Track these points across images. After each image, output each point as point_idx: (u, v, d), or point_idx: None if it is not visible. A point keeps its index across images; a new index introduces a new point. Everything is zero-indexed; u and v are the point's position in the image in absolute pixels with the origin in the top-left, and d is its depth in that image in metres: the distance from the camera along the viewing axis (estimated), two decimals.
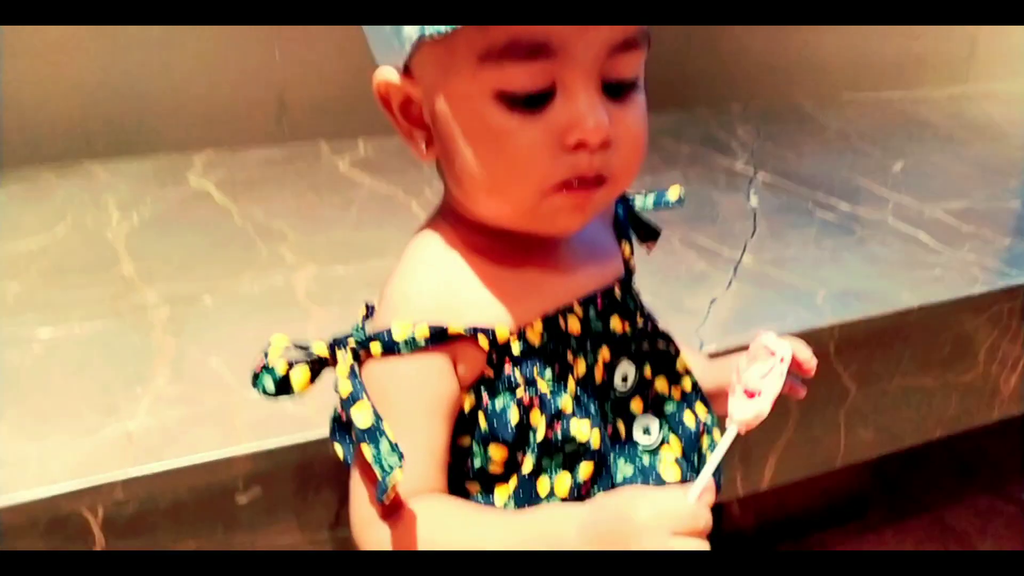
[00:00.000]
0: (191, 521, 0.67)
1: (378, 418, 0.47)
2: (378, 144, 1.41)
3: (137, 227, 1.09)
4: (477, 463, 0.51)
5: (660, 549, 0.45)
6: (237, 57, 1.39)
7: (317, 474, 0.70)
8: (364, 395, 0.47)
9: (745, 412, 0.51)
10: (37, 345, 0.82)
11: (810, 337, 0.86)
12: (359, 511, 0.50)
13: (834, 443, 0.96)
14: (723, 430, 0.54)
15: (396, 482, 0.46)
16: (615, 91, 0.47)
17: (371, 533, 0.49)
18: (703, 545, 0.46)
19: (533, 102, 0.45)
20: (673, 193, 0.61)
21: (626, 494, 0.48)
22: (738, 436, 0.51)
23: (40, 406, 0.73)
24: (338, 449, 0.51)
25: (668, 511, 0.46)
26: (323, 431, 0.70)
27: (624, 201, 0.61)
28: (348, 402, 0.47)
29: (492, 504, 0.52)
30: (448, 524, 0.49)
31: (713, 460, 0.48)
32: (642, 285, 0.58)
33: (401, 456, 0.46)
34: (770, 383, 0.51)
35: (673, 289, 0.94)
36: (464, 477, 0.52)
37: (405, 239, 0.53)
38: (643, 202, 0.61)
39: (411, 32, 0.45)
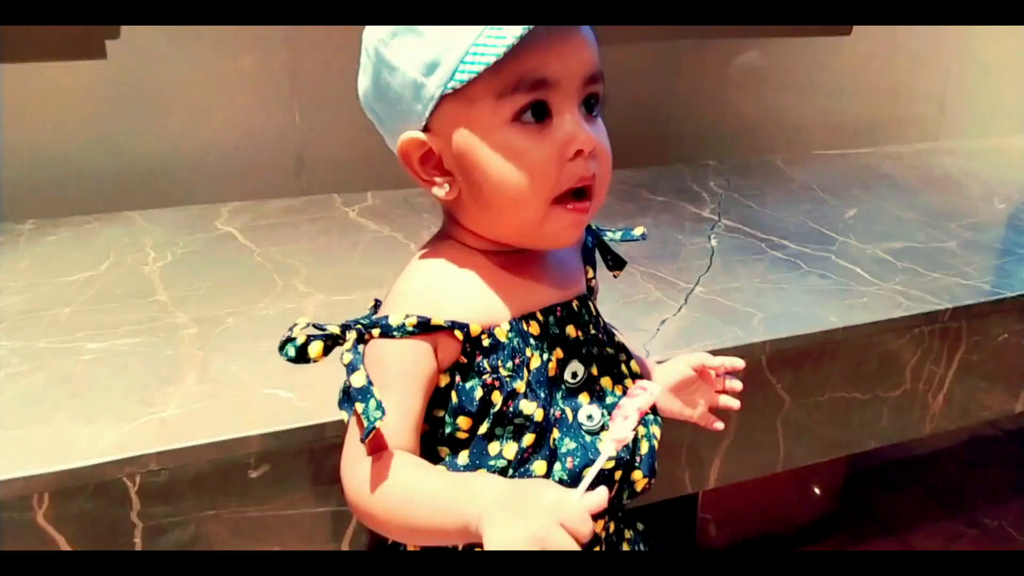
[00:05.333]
0: (211, 491, 0.82)
1: (369, 382, 0.61)
2: (384, 196, 1.58)
3: (170, 264, 1.26)
4: (448, 430, 0.66)
5: (542, 534, 0.54)
6: (261, 120, 1.58)
7: (317, 454, 0.84)
8: (362, 365, 0.62)
9: (616, 432, 0.65)
10: (87, 355, 0.98)
11: (743, 352, 1.00)
12: (349, 450, 0.64)
13: (774, 448, 1.08)
14: (658, 423, 0.70)
15: (378, 429, 0.60)
16: (589, 110, 0.64)
17: (353, 466, 0.63)
18: (574, 545, 0.55)
19: (539, 116, 0.61)
20: (638, 231, 0.77)
21: (541, 481, 0.62)
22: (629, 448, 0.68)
23: (90, 400, 0.88)
24: (344, 413, 0.64)
25: (565, 506, 0.56)
26: (322, 419, 0.85)
27: (595, 234, 0.77)
28: (349, 368, 0.62)
29: (456, 463, 0.66)
30: (407, 470, 0.63)
31: (594, 468, 0.61)
32: (604, 306, 0.73)
33: (384, 412, 0.60)
34: (632, 407, 0.66)
35: (630, 311, 1.08)
36: (437, 442, 0.67)
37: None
38: (612, 235, 0.77)
39: (433, 91, 0.61)
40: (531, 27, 0.57)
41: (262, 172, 1.59)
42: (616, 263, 0.78)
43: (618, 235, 0.76)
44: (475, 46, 0.59)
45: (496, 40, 0.58)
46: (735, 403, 0.80)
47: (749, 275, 1.23)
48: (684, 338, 1.03)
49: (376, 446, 0.63)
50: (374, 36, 0.64)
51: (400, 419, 0.64)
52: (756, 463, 1.08)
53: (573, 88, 0.62)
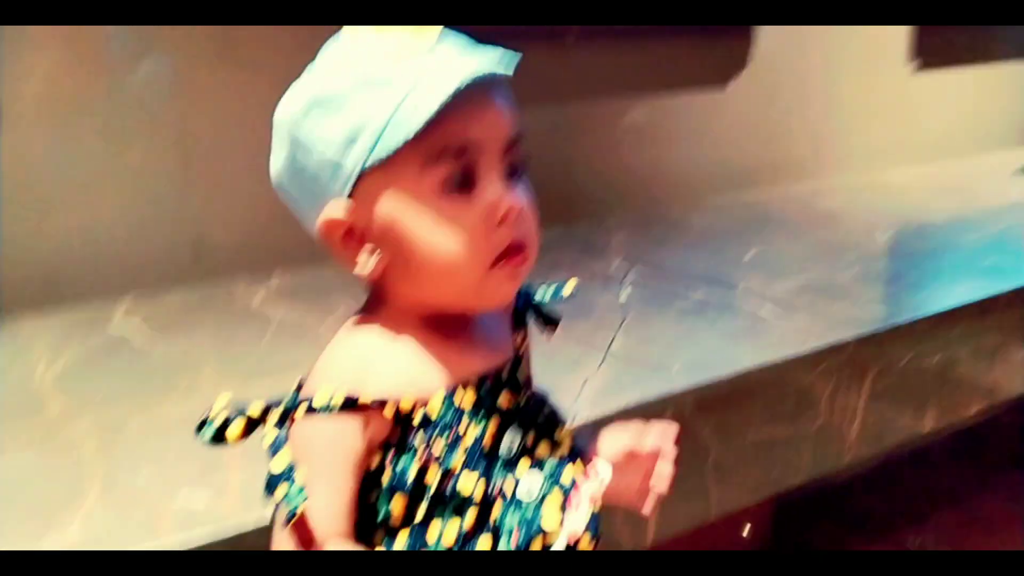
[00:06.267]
0: None
1: (290, 466, 0.58)
2: (289, 276, 1.54)
3: (63, 371, 1.18)
4: (382, 513, 0.62)
5: None
6: (153, 209, 1.52)
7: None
8: (284, 447, 0.59)
9: (570, 524, 0.64)
10: None
11: (668, 401, 1.01)
12: (275, 542, 0.61)
13: (705, 497, 1.09)
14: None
15: (302, 515, 0.57)
16: (512, 175, 0.63)
17: None
18: None
19: (464, 183, 0.60)
20: (568, 288, 0.76)
21: None
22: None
23: None
24: (273, 500, 0.59)
25: None
26: (243, 523, 0.80)
27: (525, 296, 0.74)
28: (271, 451, 0.59)
29: (393, 547, 0.62)
30: None
31: None
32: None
33: (305, 496, 0.57)
34: (585, 495, 0.65)
35: (552, 372, 1.05)
36: (373, 526, 0.63)
37: (315, 356, 0.65)
38: (543, 295, 0.76)
39: (352, 167, 0.60)
40: (453, 94, 0.57)
41: (158, 262, 1.53)
42: (548, 321, 0.77)
43: (548, 295, 0.76)
44: (395, 116, 0.58)
45: (417, 108, 0.57)
46: (663, 487, 0.73)
47: (662, 325, 1.26)
48: (609, 393, 1.03)
49: (302, 535, 0.59)
50: (285, 117, 0.63)
51: (331, 505, 0.60)
52: (690, 514, 1.08)
53: (496, 153, 0.61)
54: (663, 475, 0.74)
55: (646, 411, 1.01)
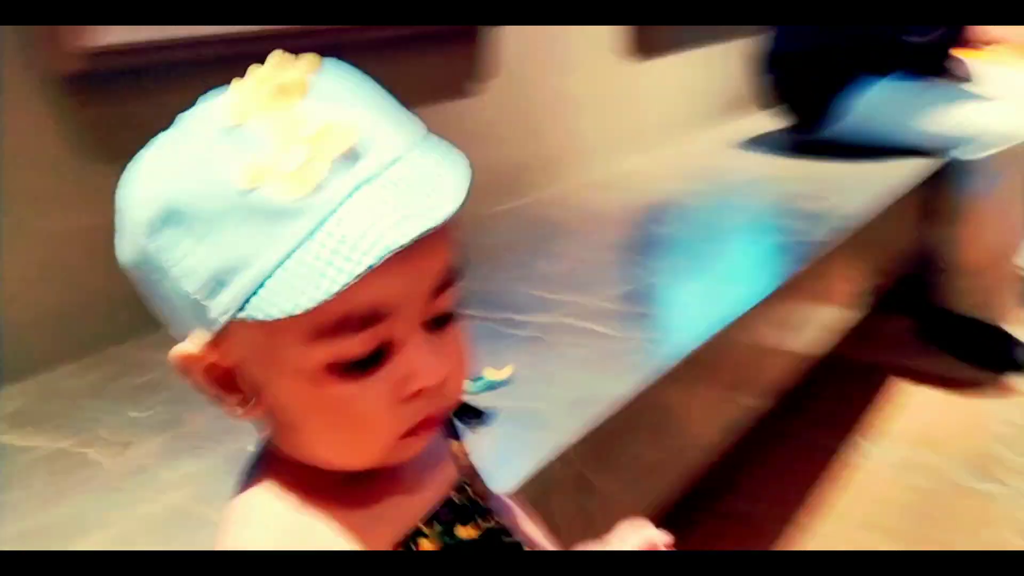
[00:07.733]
0: None
1: None
2: (18, 389, 1.18)
3: None
4: None
5: None
6: None
7: None
8: None
9: None
10: None
11: (560, 457, 0.90)
12: None
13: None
14: None
15: None
16: (438, 324, 0.48)
17: None
18: None
19: (368, 363, 0.45)
20: (503, 374, 0.61)
21: None
22: None
23: None
24: None
25: None
26: None
27: None
28: None
29: None
30: None
31: None
32: None
33: None
34: None
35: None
36: None
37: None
38: (471, 389, 0.61)
39: (217, 316, 0.43)
40: (379, 258, 0.40)
41: None
42: (474, 415, 0.64)
43: (478, 386, 0.62)
44: (285, 265, 0.41)
45: (320, 270, 0.40)
46: None
47: (505, 364, 1.12)
48: (496, 461, 0.88)
49: None
50: (132, 216, 0.44)
51: None
52: None
53: (416, 311, 0.46)
54: None
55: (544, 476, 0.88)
